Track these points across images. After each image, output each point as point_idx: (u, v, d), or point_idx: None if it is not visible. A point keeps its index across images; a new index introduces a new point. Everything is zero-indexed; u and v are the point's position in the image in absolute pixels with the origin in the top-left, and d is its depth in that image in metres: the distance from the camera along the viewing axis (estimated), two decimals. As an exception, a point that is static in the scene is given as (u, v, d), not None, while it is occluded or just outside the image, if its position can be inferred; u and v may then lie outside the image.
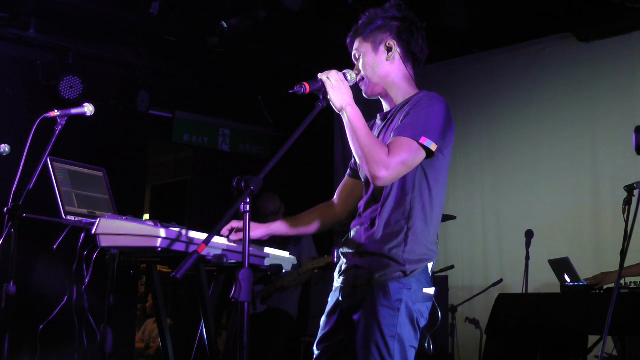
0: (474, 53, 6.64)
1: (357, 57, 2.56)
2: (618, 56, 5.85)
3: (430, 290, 2.42)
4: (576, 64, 6.09)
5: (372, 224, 2.42)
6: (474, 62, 6.69)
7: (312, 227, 2.74)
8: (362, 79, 2.54)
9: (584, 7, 5.62)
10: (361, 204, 2.53)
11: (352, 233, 2.52)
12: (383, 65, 2.52)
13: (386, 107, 2.59)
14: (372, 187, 2.48)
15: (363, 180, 2.57)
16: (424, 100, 2.41)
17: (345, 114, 2.36)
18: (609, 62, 5.90)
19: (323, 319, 2.54)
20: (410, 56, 2.56)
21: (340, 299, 2.48)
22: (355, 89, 2.51)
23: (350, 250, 2.48)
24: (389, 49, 2.52)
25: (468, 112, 6.62)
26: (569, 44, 6.11)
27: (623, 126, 5.28)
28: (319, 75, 2.39)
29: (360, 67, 2.53)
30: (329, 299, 2.55)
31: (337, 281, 2.52)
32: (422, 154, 2.34)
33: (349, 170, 2.73)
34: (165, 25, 6.01)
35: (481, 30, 6.00)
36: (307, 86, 2.36)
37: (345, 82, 2.41)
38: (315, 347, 2.53)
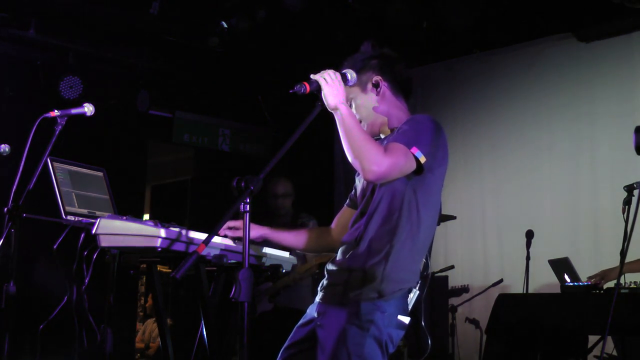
0: (474, 53, 6.63)
1: (349, 104, 2.57)
2: (618, 56, 5.85)
3: (405, 320, 2.39)
4: (576, 64, 6.08)
5: (358, 239, 2.42)
6: (474, 62, 6.69)
7: (307, 246, 2.77)
8: (360, 120, 2.55)
9: (584, 7, 5.62)
10: (352, 220, 2.54)
11: (339, 249, 2.52)
12: (375, 102, 2.55)
13: (383, 136, 2.61)
14: (363, 203, 2.48)
15: (360, 195, 2.57)
16: (416, 119, 2.45)
17: (339, 112, 2.36)
18: (609, 62, 5.90)
19: (296, 327, 2.54)
20: (397, 87, 2.59)
21: (315, 315, 2.47)
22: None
23: (333, 268, 2.49)
24: (377, 86, 2.56)
25: (468, 112, 6.63)
26: (569, 44, 6.11)
27: (623, 126, 5.28)
28: (312, 76, 2.39)
29: (354, 112, 2.54)
30: (308, 310, 2.55)
31: (318, 296, 2.52)
32: (413, 164, 2.34)
33: (347, 201, 2.73)
34: (165, 25, 6.00)
35: (481, 30, 6.00)
36: (307, 86, 2.37)
37: (340, 81, 2.41)
38: (281, 351, 2.52)
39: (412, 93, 2.65)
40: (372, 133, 2.58)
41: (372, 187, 2.46)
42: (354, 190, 2.70)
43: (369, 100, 2.56)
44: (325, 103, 2.38)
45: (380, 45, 2.63)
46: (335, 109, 2.36)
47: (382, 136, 2.61)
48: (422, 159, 2.34)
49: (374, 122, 2.57)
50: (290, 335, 2.53)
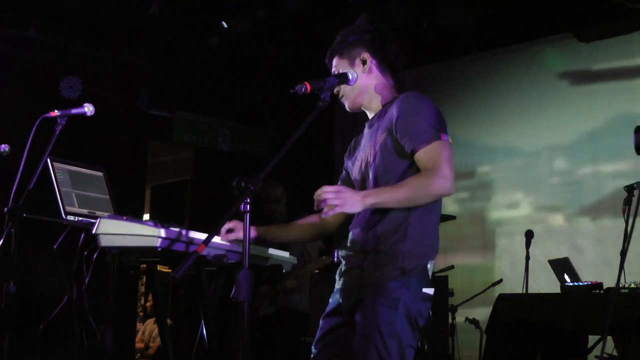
0: (474, 53, 6.64)
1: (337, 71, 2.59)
2: (618, 56, 5.86)
3: (430, 291, 2.41)
4: (576, 64, 6.09)
5: (372, 222, 2.43)
6: (474, 62, 6.69)
7: (302, 236, 2.78)
8: (342, 95, 2.58)
9: (584, 7, 5.62)
10: None
11: (351, 235, 2.52)
12: (361, 77, 2.55)
13: (370, 115, 2.62)
14: (368, 186, 2.49)
15: (358, 179, 2.57)
16: (414, 102, 2.43)
17: (375, 204, 2.31)
18: (609, 62, 5.91)
19: (323, 319, 2.55)
20: (386, 65, 2.59)
21: (340, 300, 2.49)
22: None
23: (349, 252, 2.50)
24: (364, 62, 2.56)
25: (468, 112, 6.63)
26: (569, 44, 6.11)
27: (623, 126, 5.28)
28: (326, 202, 2.25)
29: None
30: (330, 300, 2.56)
31: (338, 283, 2.53)
32: (451, 147, 2.37)
33: (339, 182, 2.73)
34: (165, 25, 6.00)
35: (481, 30, 6.00)
36: (308, 85, 2.36)
37: (344, 189, 2.31)
38: (313, 347, 2.54)
39: (407, 88, 2.63)
40: (354, 106, 2.60)
41: (372, 172, 2.46)
42: (344, 172, 2.71)
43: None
44: (354, 211, 2.33)
45: (376, 20, 2.63)
46: (369, 205, 2.31)
47: (369, 114, 2.61)
48: (450, 140, 2.38)
49: (357, 97, 2.58)
50: (320, 327, 2.54)
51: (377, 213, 2.42)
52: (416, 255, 2.38)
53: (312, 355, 2.53)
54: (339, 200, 2.25)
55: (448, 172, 2.30)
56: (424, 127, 2.36)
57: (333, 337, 2.49)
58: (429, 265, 2.42)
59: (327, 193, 2.26)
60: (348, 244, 2.52)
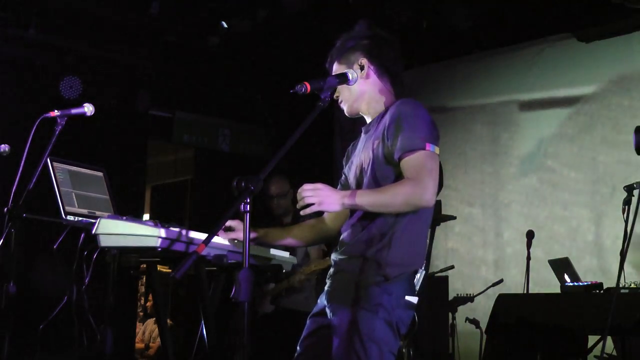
0: (474, 53, 6.64)
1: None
2: (618, 56, 5.86)
3: (413, 299, 2.41)
4: (576, 64, 6.09)
5: (360, 227, 2.45)
6: (474, 62, 6.69)
7: (301, 240, 2.78)
8: (341, 100, 2.59)
9: (584, 7, 5.63)
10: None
11: (341, 238, 2.55)
12: (358, 83, 2.55)
13: (368, 120, 2.62)
14: None
15: (353, 184, 2.58)
16: (406, 110, 2.43)
17: (353, 205, 2.36)
18: (609, 62, 5.91)
19: (310, 318, 2.57)
20: (384, 70, 2.59)
21: (325, 302, 2.50)
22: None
23: (339, 256, 2.51)
24: (362, 67, 2.56)
25: (468, 112, 6.63)
26: (569, 44, 6.12)
27: (623, 126, 5.29)
28: (304, 200, 2.33)
29: (339, 89, 2.57)
30: (319, 301, 2.58)
31: (327, 284, 2.54)
32: (437, 158, 2.37)
33: (339, 186, 2.73)
34: (165, 25, 6.00)
35: (481, 30, 6.00)
36: (308, 85, 2.36)
37: (322, 187, 2.35)
38: (298, 345, 2.56)
39: (408, 88, 2.66)
40: (352, 111, 2.60)
41: (367, 178, 2.48)
42: (343, 177, 2.72)
43: None
44: (332, 210, 2.39)
45: (375, 26, 2.64)
46: (347, 206, 2.36)
47: (367, 119, 2.62)
48: (437, 151, 2.38)
49: (354, 102, 2.58)
50: (306, 326, 2.56)
51: (366, 218, 2.43)
52: (400, 263, 2.38)
53: (296, 354, 2.54)
54: (317, 199, 2.30)
55: (428, 182, 2.30)
56: (410, 135, 2.36)
57: (317, 338, 2.51)
58: (418, 275, 2.42)
59: (305, 191, 2.31)
60: (338, 248, 2.54)
